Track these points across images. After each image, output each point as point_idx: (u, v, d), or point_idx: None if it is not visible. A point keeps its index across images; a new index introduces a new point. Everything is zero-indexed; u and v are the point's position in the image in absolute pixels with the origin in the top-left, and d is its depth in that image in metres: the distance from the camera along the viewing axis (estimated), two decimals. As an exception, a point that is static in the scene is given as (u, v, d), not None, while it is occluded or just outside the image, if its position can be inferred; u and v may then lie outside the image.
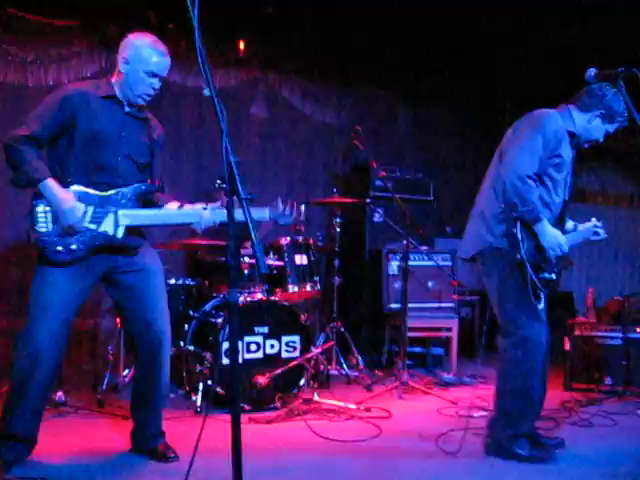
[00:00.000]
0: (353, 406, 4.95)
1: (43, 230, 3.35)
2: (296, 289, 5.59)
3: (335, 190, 6.37)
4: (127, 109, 3.57)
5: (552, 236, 3.82)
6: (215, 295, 5.45)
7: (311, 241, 5.82)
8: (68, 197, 3.34)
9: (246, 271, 5.29)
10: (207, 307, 5.32)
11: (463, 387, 5.92)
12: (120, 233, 3.44)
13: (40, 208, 3.35)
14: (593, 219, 4.31)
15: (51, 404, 4.64)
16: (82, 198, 3.40)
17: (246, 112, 7.25)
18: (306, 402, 4.95)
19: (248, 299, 5.07)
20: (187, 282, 5.63)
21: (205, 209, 3.57)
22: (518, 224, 3.78)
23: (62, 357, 3.57)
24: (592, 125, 3.95)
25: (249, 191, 2.32)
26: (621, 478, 3.59)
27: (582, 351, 5.92)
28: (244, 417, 4.58)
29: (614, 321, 6.02)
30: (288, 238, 5.70)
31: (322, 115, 7.70)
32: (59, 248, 3.35)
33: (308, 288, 5.65)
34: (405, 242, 5.83)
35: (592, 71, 3.33)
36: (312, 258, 5.74)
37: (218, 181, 3.31)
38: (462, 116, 8.12)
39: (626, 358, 5.74)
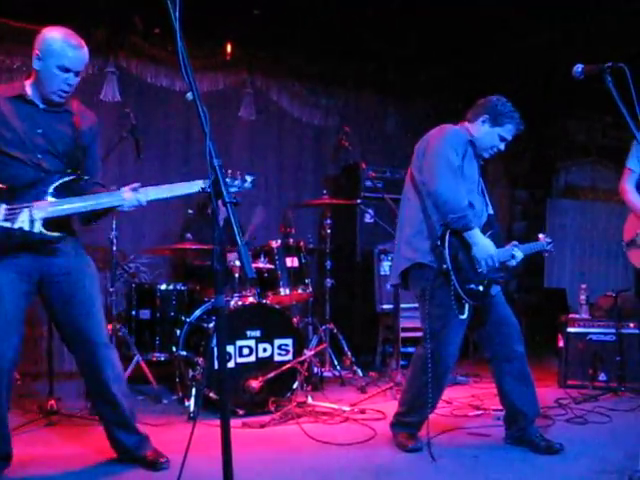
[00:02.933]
0: (347, 408, 4.94)
1: None
2: (288, 292, 5.57)
3: (325, 191, 6.35)
4: (42, 106, 3.41)
5: (484, 246, 3.89)
6: (206, 300, 5.43)
7: (302, 243, 5.80)
8: None
9: (237, 275, 5.25)
10: (198, 312, 5.30)
11: (457, 386, 5.90)
12: (37, 228, 3.26)
13: None
14: (540, 235, 4.46)
15: (43, 413, 4.62)
16: None
17: (234, 115, 7.23)
18: (300, 405, 4.94)
19: (239, 303, 5.04)
20: (178, 287, 5.62)
21: (135, 190, 3.37)
22: (447, 235, 3.83)
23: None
24: (482, 131, 4.09)
25: (234, 195, 2.30)
26: (617, 475, 3.57)
27: (576, 348, 5.92)
28: (238, 422, 4.57)
29: (607, 317, 6.02)
30: (279, 241, 5.68)
31: (310, 117, 7.70)
32: None
33: (300, 290, 5.63)
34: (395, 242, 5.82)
35: (579, 67, 3.32)
36: (303, 260, 5.72)
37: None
38: (451, 115, 8.09)
39: (620, 354, 5.74)
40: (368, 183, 6.96)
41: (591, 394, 5.47)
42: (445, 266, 3.79)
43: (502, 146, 4.14)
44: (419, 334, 4.16)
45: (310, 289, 5.72)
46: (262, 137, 7.40)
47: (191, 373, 4.94)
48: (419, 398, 4.02)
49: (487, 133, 4.08)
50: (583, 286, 6.23)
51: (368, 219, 6.96)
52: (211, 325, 4.99)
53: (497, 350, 4.12)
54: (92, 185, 3.54)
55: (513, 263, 4.14)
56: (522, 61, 7.33)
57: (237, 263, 5.21)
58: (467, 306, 3.90)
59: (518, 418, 4.12)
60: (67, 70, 3.33)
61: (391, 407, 4.38)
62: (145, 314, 5.58)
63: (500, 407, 4.29)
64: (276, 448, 4.14)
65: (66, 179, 3.38)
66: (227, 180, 3.23)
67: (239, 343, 4.92)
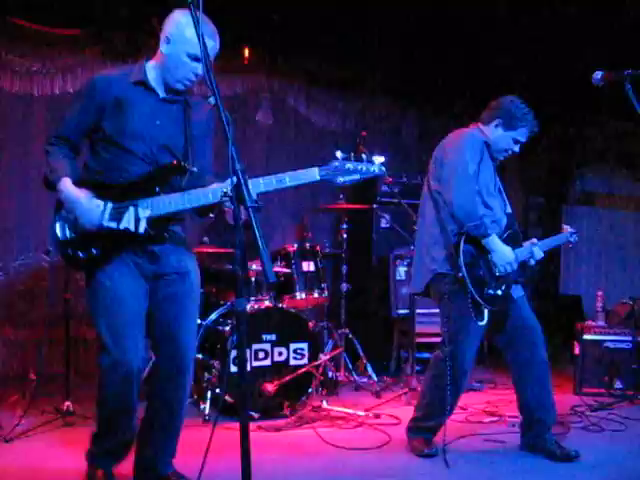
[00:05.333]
0: (362, 413, 4.94)
1: (64, 240, 3.12)
2: (303, 296, 5.57)
3: (342, 196, 6.35)
4: (162, 95, 3.17)
5: (502, 252, 3.90)
6: (222, 303, 5.43)
7: (318, 248, 5.80)
8: (82, 197, 3.03)
9: (253, 278, 5.27)
10: (214, 315, 5.30)
11: (472, 393, 5.87)
12: (141, 228, 3.03)
13: (58, 222, 3.12)
14: (565, 226, 4.50)
15: (60, 414, 4.64)
16: (100, 194, 3.06)
17: (252, 119, 7.25)
18: (315, 409, 4.95)
19: (255, 306, 5.05)
20: (194, 290, 5.61)
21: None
22: (462, 242, 3.84)
23: None
24: (496, 135, 4.09)
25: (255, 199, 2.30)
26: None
27: (592, 355, 5.89)
28: (253, 425, 4.56)
29: (624, 324, 5.99)
30: (295, 245, 5.70)
31: (327, 121, 7.69)
32: (80, 255, 3.09)
33: (315, 295, 5.63)
34: (412, 247, 5.80)
35: (598, 74, 3.31)
36: (319, 265, 5.71)
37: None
38: (468, 121, 8.08)
39: (636, 362, 5.71)
40: (385, 188, 6.94)
41: (607, 402, 5.44)
42: (460, 274, 3.81)
43: (517, 148, 4.14)
44: (435, 339, 4.17)
45: (326, 293, 5.72)
46: (279, 141, 7.40)
47: (207, 376, 4.94)
48: (437, 402, 4.01)
49: (501, 137, 4.08)
50: (599, 293, 6.19)
51: (384, 224, 6.94)
52: (227, 328, 5.00)
53: (517, 355, 4.10)
54: (203, 178, 3.25)
55: (532, 262, 4.14)
56: (539, 66, 7.30)
57: (253, 267, 5.22)
58: (486, 312, 3.90)
59: (534, 425, 4.10)
60: (198, 59, 3.07)
61: (406, 412, 4.38)
62: (161, 316, 5.58)
63: (515, 414, 4.27)
64: (291, 452, 4.15)
65: (174, 174, 3.15)
66: (351, 164, 2.94)
67: (255, 347, 4.93)
